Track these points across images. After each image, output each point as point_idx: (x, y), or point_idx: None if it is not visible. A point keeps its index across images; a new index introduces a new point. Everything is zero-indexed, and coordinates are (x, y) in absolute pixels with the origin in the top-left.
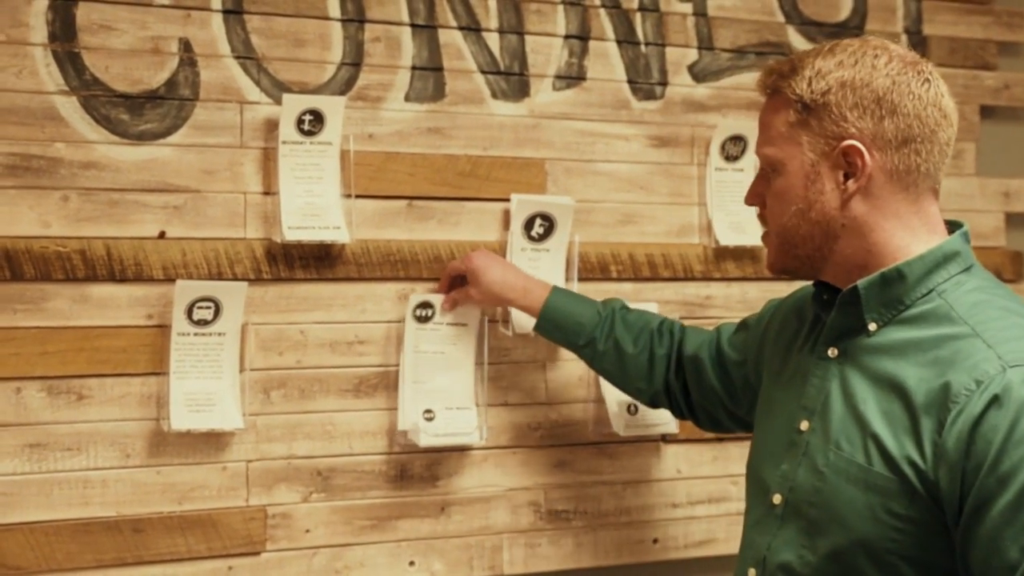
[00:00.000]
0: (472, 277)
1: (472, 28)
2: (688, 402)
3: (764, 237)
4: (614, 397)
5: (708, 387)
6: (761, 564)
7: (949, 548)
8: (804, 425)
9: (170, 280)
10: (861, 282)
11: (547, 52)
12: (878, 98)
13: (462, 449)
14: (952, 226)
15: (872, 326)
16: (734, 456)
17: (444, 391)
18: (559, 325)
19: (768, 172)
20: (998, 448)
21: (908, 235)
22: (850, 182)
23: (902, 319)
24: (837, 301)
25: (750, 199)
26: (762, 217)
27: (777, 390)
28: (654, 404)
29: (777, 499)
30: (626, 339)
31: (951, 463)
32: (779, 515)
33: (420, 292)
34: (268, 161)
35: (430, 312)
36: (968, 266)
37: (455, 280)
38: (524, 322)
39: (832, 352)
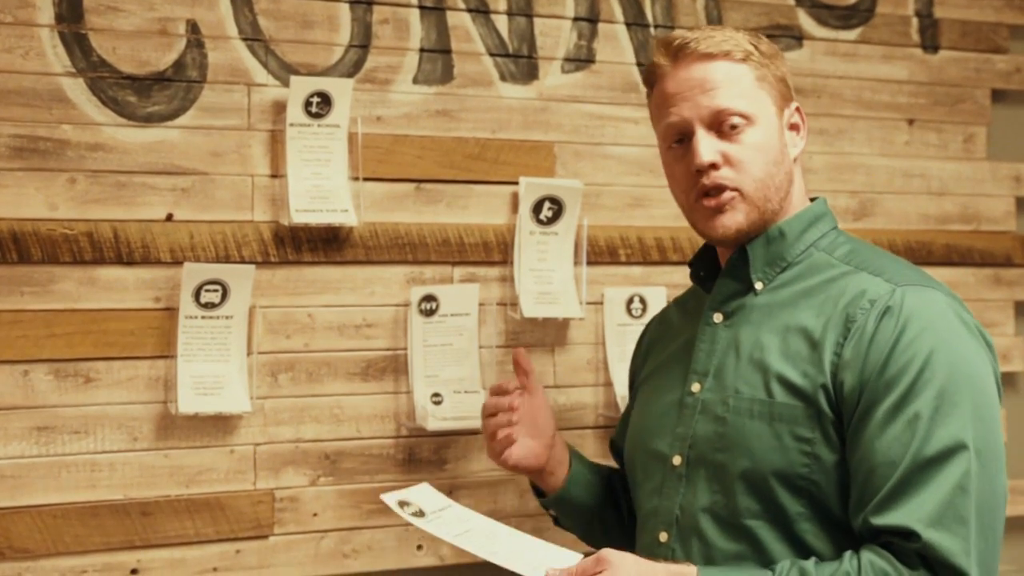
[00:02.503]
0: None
1: (481, 10)
2: None
3: (724, 200)
4: (623, 381)
5: None
6: (674, 524)
7: None
8: (695, 387)
9: (177, 263)
10: (750, 243)
11: (556, 35)
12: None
13: (470, 432)
14: None
15: (759, 285)
16: None
17: (454, 380)
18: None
19: (736, 126)
20: (886, 354)
21: (800, 195)
22: (801, 134)
23: (785, 277)
24: (725, 266)
25: (710, 156)
26: (722, 177)
27: (658, 375)
28: None
29: (677, 460)
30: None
31: (852, 371)
32: (682, 474)
33: (428, 275)
34: (276, 143)
35: (434, 305)
36: (835, 226)
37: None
38: (531, 307)
39: (717, 317)
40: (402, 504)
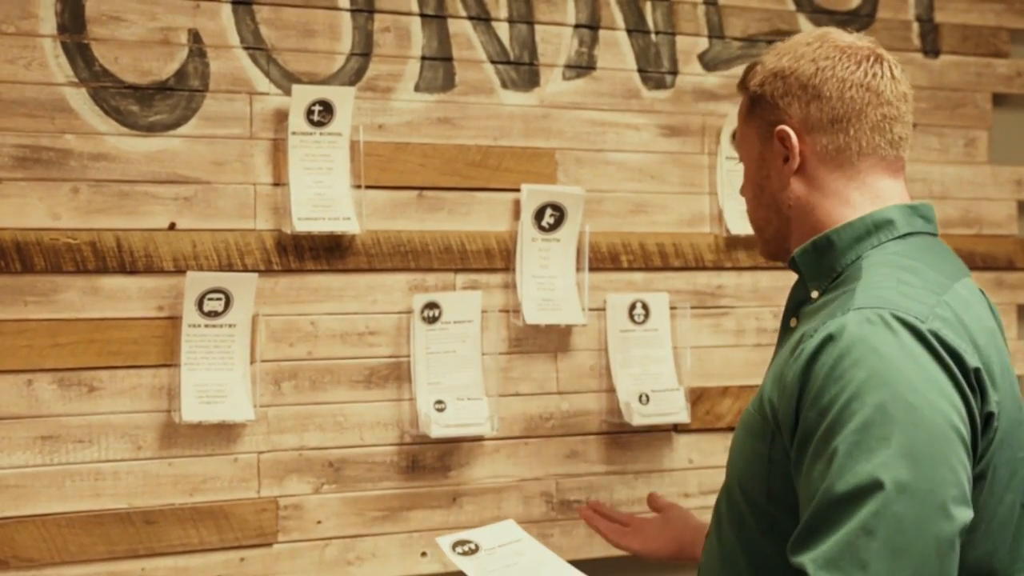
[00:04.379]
0: None
1: (482, 18)
2: None
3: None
4: (626, 387)
5: None
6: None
7: None
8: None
9: (180, 272)
10: (796, 251)
11: (557, 41)
12: (803, 84)
13: (474, 440)
14: None
15: (814, 294)
16: None
17: (457, 387)
18: None
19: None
20: (821, 383)
21: (849, 210)
22: (787, 164)
23: (834, 285)
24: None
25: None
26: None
27: None
28: None
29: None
30: None
31: (789, 398)
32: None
33: (430, 282)
34: (278, 152)
35: (437, 312)
36: (903, 234)
37: None
38: (534, 313)
39: (792, 322)
40: (457, 544)
